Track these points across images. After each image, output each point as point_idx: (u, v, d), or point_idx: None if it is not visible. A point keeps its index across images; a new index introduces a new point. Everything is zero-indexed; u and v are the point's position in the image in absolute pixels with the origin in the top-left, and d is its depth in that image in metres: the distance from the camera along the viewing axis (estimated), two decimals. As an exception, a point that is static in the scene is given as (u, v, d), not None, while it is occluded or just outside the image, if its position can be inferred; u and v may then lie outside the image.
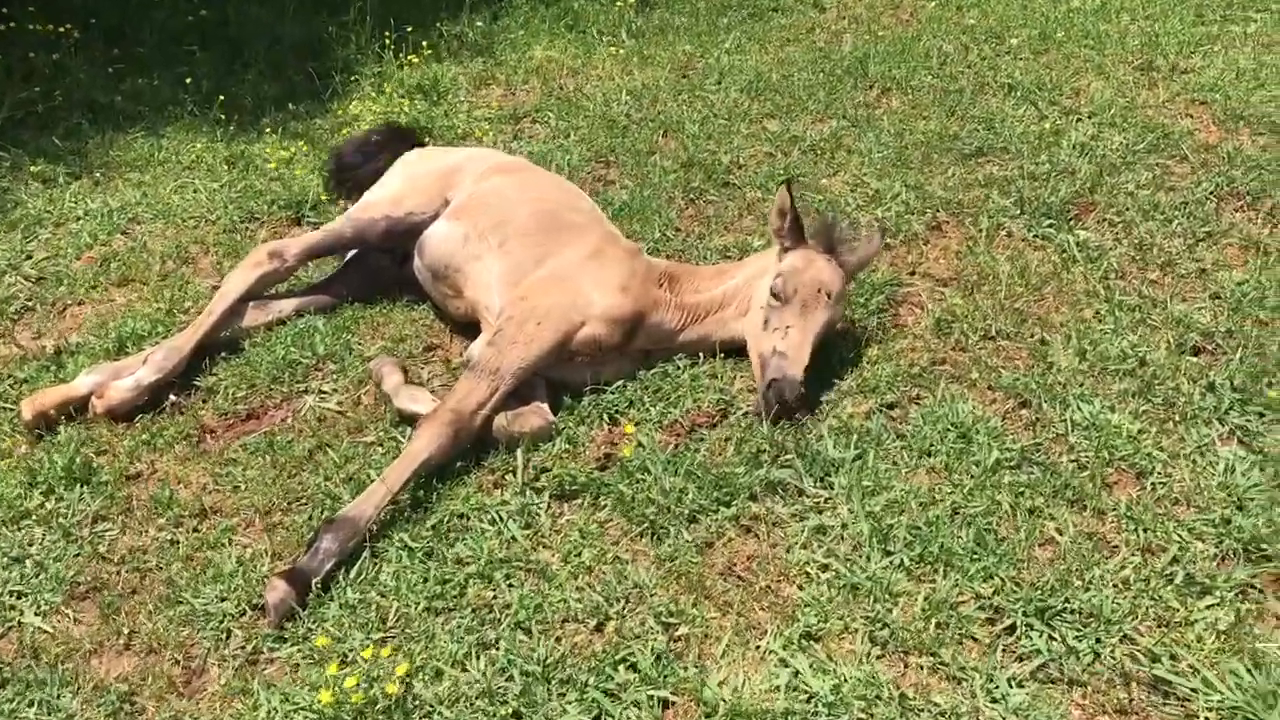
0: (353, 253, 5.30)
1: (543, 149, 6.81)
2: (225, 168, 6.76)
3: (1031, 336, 4.78)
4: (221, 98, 7.44)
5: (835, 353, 4.63)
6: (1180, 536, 3.68)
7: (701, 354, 4.64)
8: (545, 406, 4.29)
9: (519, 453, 4.09)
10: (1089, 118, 6.91)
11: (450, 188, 5.14)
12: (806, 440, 4.12)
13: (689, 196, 6.20)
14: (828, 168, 6.47)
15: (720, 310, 4.67)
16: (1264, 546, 3.61)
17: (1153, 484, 3.92)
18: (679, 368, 4.58)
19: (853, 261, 4.59)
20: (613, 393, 4.43)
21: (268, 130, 7.25)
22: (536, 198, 4.94)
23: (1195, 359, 4.59)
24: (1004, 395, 4.41)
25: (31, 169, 6.67)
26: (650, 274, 4.65)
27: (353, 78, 8.13)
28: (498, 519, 3.87)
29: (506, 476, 4.05)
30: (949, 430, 4.16)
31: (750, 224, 5.89)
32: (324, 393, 4.62)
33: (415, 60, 8.26)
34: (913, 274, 5.37)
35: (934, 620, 3.40)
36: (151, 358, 4.56)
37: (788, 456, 4.05)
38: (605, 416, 4.35)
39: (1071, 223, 5.72)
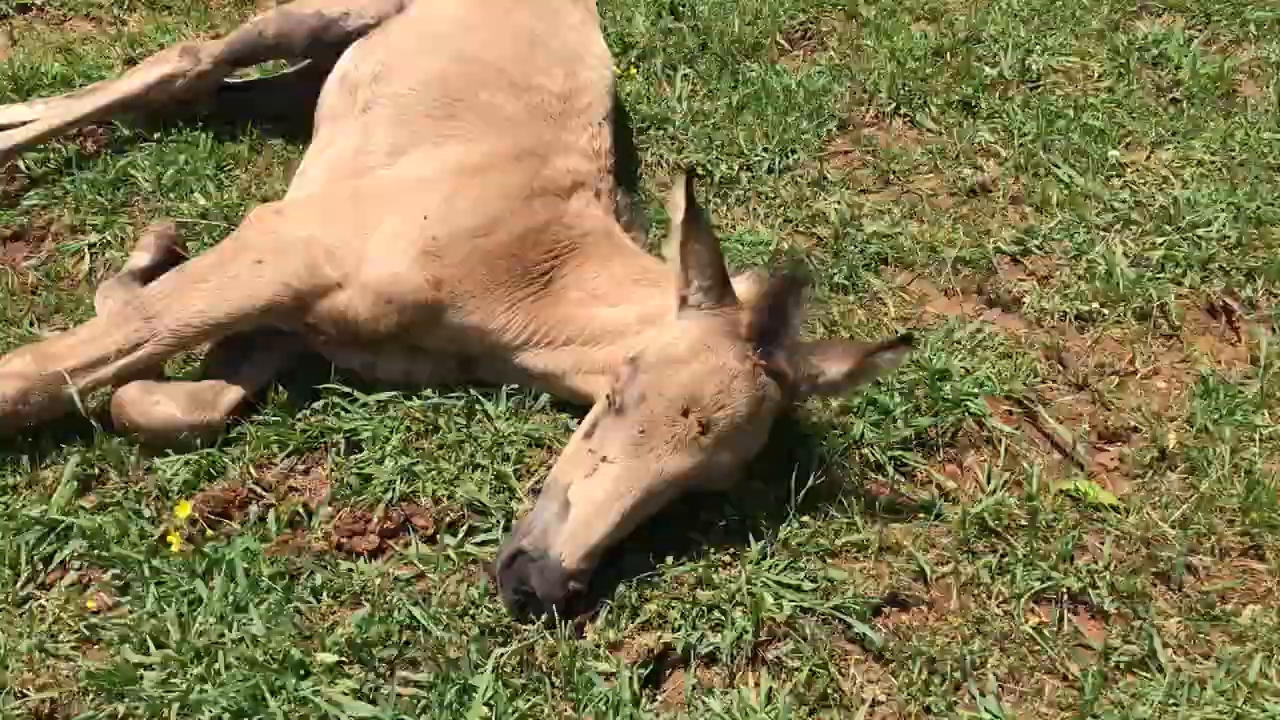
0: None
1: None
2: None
3: (1140, 618, 2.28)
4: None
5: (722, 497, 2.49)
6: None
7: (549, 392, 2.73)
8: (230, 392, 2.66)
9: (71, 461, 2.54)
10: None
11: None
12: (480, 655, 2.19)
13: (881, 109, 3.85)
14: (1139, 123, 3.72)
15: (592, 344, 2.66)
16: None
17: None
18: (498, 409, 2.70)
19: (815, 375, 2.43)
20: (354, 413, 2.69)
21: None
22: (470, 52, 3.07)
23: None
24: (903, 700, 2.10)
25: None
26: (542, 234, 2.71)
27: None
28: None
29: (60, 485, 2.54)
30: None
31: (927, 184, 3.52)
32: (105, 243, 3.28)
33: None
34: (1080, 388, 2.86)
35: None
36: None
37: (425, 676, 2.17)
38: (311, 444, 2.65)
39: None
